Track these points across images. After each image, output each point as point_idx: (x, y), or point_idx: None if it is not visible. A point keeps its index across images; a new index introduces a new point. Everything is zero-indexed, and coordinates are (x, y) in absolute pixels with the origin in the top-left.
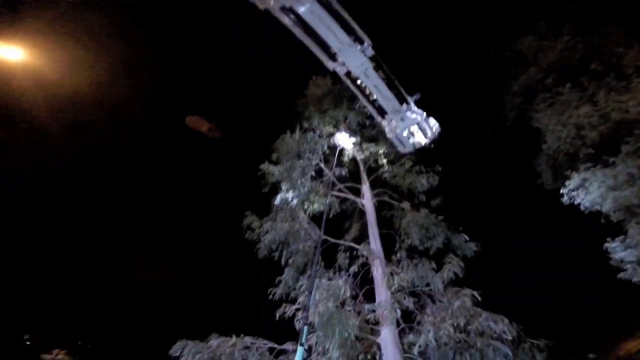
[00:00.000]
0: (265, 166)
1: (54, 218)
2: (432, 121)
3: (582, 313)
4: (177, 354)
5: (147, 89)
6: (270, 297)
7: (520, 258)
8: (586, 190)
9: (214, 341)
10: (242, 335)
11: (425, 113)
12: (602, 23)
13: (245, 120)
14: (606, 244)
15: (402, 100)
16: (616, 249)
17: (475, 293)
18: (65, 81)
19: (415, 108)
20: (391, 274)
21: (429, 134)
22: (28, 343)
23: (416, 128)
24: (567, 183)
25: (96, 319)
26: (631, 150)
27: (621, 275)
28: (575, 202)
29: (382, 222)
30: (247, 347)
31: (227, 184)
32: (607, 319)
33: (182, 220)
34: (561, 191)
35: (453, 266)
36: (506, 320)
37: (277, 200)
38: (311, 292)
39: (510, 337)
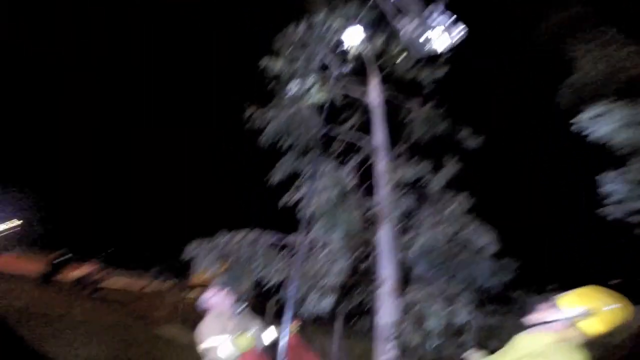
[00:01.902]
0: (266, 59)
1: None
2: (458, 26)
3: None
4: (192, 255)
5: None
6: (271, 184)
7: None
8: (600, 122)
9: (222, 238)
10: (247, 229)
11: (452, 16)
12: None
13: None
14: (600, 175)
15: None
16: (609, 180)
17: (469, 199)
18: None
19: (440, 8)
20: (393, 170)
21: (451, 40)
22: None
23: (437, 32)
24: (582, 112)
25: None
26: None
27: (600, 210)
28: (585, 132)
29: (386, 117)
30: (253, 242)
31: (230, 78)
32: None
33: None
34: (573, 120)
35: (451, 167)
36: (493, 234)
37: (280, 90)
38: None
39: (493, 251)
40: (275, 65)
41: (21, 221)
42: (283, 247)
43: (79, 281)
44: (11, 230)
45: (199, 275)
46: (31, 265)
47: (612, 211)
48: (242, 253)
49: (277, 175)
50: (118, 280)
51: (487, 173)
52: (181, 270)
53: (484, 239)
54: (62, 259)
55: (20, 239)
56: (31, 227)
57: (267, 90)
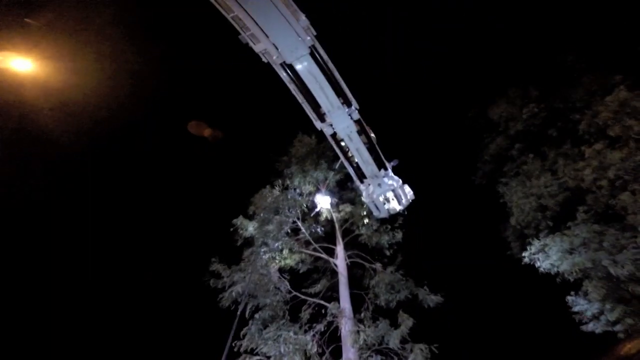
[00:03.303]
0: (239, 220)
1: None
2: (407, 189)
3: None
4: None
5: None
6: (236, 349)
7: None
8: (545, 254)
9: None
10: None
11: (401, 180)
12: (565, 84)
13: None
14: (568, 297)
15: (381, 165)
16: (577, 302)
17: (430, 347)
18: (71, 89)
19: (392, 174)
20: (357, 332)
21: (404, 200)
22: None
23: (392, 194)
24: (528, 247)
25: None
26: (585, 218)
27: (584, 327)
28: (535, 265)
29: (352, 281)
30: None
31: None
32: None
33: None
34: (523, 255)
35: (406, 323)
36: None
37: (249, 252)
38: None
39: None
40: (247, 226)
41: None
42: None
43: None
44: None
45: None
46: None
47: (592, 327)
48: None
49: (246, 343)
50: None
51: (448, 324)
52: None
53: None
54: None
55: None
56: None
57: (235, 250)
